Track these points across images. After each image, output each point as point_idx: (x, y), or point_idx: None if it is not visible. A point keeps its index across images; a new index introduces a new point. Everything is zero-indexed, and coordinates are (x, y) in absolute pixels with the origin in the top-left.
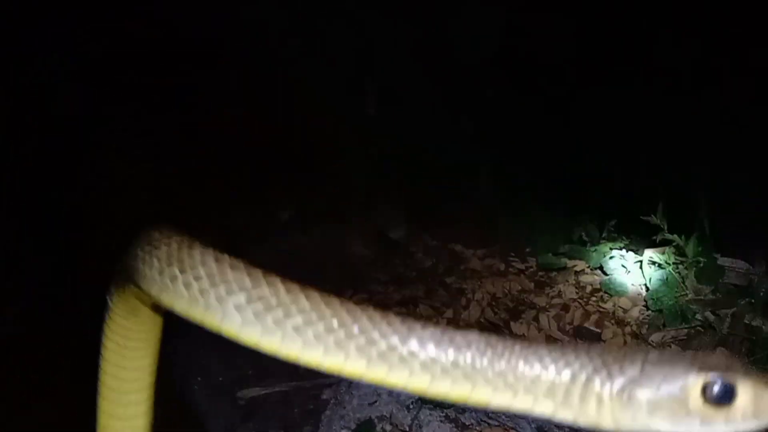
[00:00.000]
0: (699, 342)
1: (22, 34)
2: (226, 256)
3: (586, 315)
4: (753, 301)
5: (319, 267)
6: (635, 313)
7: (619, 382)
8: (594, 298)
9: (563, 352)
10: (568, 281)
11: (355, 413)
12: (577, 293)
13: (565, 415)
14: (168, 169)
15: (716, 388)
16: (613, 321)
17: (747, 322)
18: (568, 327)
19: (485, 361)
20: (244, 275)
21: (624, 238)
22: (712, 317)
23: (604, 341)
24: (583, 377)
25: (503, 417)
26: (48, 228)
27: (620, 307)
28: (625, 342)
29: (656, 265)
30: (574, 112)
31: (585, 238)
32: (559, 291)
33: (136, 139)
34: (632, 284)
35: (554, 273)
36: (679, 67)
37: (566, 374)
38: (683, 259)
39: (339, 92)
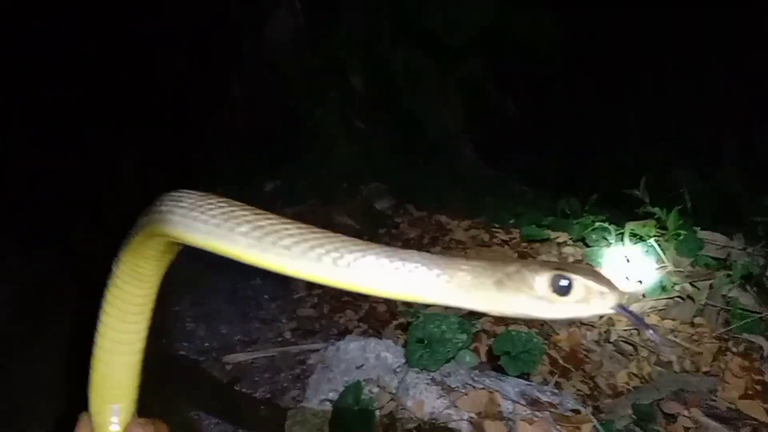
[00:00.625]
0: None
1: None
2: (231, 200)
3: None
4: (730, 273)
5: None
6: (617, 283)
7: (501, 277)
8: None
9: (468, 261)
10: (550, 252)
11: (342, 377)
12: None
13: (467, 302)
14: (155, 141)
15: (559, 282)
16: None
17: (724, 293)
18: None
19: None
20: (247, 212)
21: (606, 211)
22: (690, 288)
23: None
24: (486, 274)
25: (487, 380)
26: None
27: None
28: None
29: (637, 237)
30: (558, 90)
31: (568, 210)
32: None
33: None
34: (613, 256)
35: (537, 244)
36: (661, 47)
37: (470, 275)
38: (664, 232)
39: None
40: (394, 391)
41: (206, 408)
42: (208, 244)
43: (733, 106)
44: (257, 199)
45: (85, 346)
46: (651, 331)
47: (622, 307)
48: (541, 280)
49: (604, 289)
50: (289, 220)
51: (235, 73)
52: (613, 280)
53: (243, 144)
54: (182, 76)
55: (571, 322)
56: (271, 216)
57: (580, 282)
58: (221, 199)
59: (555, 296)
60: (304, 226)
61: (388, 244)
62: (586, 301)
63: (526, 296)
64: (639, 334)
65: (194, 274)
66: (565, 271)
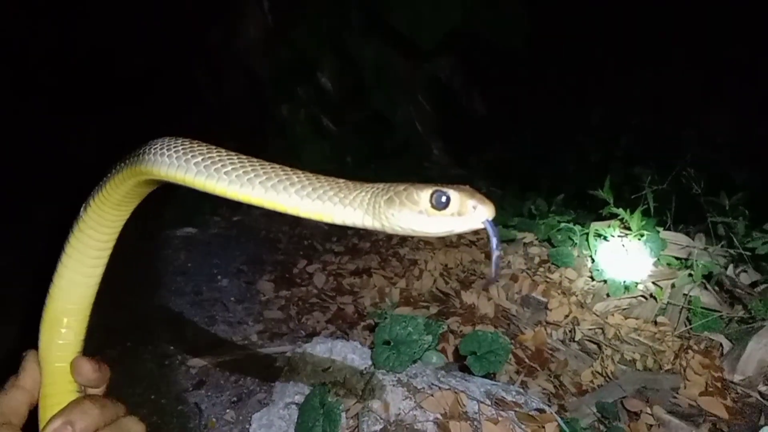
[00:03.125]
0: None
1: None
2: (213, 147)
3: (534, 285)
4: (692, 273)
5: (273, 239)
6: (581, 283)
7: (391, 195)
8: (541, 269)
9: (371, 185)
10: (517, 252)
11: (309, 379)
12: (525, 264)
13: (365, 220)
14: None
15: (437, 197)
16: (559, 291)
17: (686, 293)
18: (516, 296)
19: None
20: (231, 156)
21: (572, 211)
22: (653, 287)
23: (550, 310)
24: (381, 193)
25: (453, 381)
26: None
27: (566, 277)
28: (570, 312)
29: (602, 237)
30: (523, 92)
31: (534, 211)
32: (509, 262)
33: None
34: (578, 256)
35: (504, 244)
36: (624, 46)
37: (369, 194)
38: (627, 232)
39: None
40: (360, 393)
41: (170, 412)
42: (169, 175)
43: (693, 104)
44: (223, 198)
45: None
46: (497, 254)
47: (489, 222)
48: (424, 195)
49: (477, 203)
50: (235, 153)
51: (203, 70)
52: (485, 198)
53: (209, 142)
54: (149, 72)
55: (535, 323)
56: (221, 150)
57: (456, 196)
58: (185, 140)
59: (434, 210)
60: (244, 158)
61: (356, 244)
62: (460, 215)
63: (409, 211)
64: (604, 333)
65: (159, 276)
66: (444, 187)
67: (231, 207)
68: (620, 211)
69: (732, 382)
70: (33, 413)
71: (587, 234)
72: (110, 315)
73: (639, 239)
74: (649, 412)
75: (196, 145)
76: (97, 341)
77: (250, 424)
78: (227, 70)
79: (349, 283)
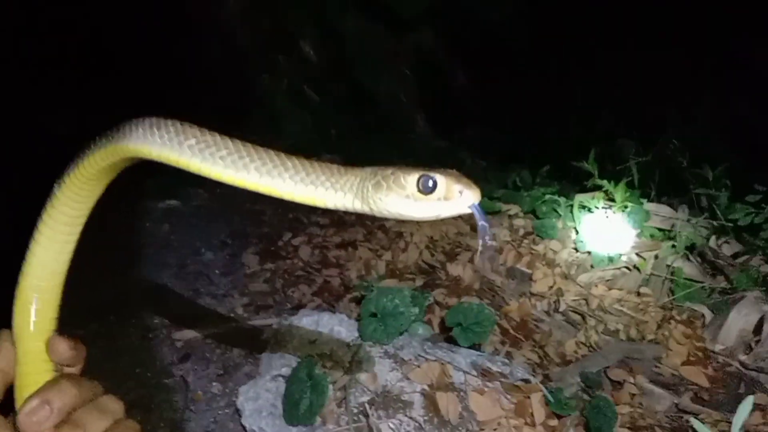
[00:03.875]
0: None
1: None
2: (206, 130)
3: (519, 256)
4: (675, 244)
5: (257, 211)
6: (565, 255)
7: (379, 179)
8: (526, 241)
9: (361, 169)
10: (502, 224)
11: (296, 351)
12: (510, 236)
13: (355, 204)
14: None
15: (424, 181)
16: (543, 262)
17: (669, 263)
18: (501, 268)
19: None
20: (225, 140)
21: (556, 183)
22: (636, 259)
23: (535, 281)
24: (369, 177)
25: (440, 352)
26: None
27: (551, 249)
28: (554, 283)
29: (586, 209)
30: (512, 70)
31: (519, 183)
32: (494, 234)
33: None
34: (562, 228)
35: (489, 216)
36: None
37: (358, 178)
38: (612, 203)
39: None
40: (347, 365)
41: (156, 385)
42: (161, 155)
43: (675, 76)
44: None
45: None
46: (486, 239)
47: (476, 207)
48: (411, 179)
49: (463, 188)
50: (227, 137)
51: (184, 40)
52: (471, 182)
53: (190, 114)
54: (127, 42)
55: (520, 294)
56: (215, 134)
57: (442, 181)
58: (175, 121)
59: (420, 195)
60: (238, 142)
61: (341, 217)
62: (447, 199)
63: (396, 195)
64: (587, 304)
65: (142, 249)
66: (431, 171)
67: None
68: (604, 182)
69: (713, 352)
70: (9, 393)
71: (571, 206)
72: (93, 289)
73: (623, 211)
74: (632, 381)
75: (188, 127)
76: (81, 316)
77: (237, 397)
78: (208, 41)
79: (335, 256)
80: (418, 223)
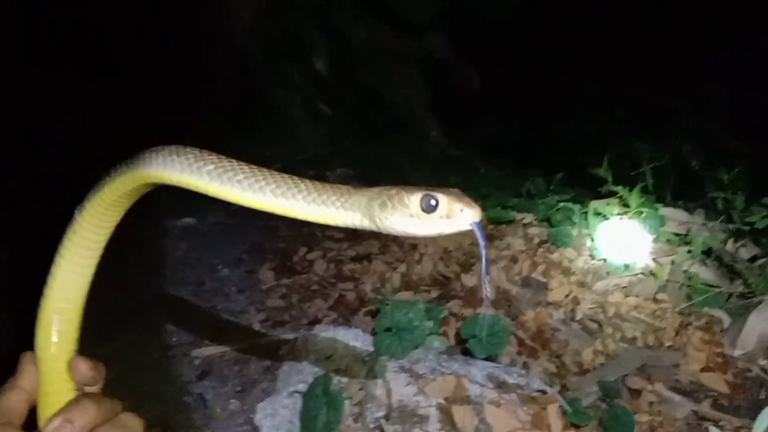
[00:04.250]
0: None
1: None
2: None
3: (534, 265)
4: (691, 249)
5: (272, 227)
6: (580, 263)
7: (385, 199)
8: (541, 249)
9: (368, 189)
10: (516, 233)
11: (312, 367)
12: (525, 245)
13: (363, 222)
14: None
15: (426, 201)
16: (559, 271)
17: (685, 269)
18: (516, 277)
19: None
20: (242, 165)
21: (570, 190)
22: (653, 265)
23: (551, 290)
24: (375, 197)
25: (455, 365)
26: None
27: (566, 257)
28: (570, 291)
29: (601, 216)
30: (521, 71)
31: (533, 191)
32: (508, 243)
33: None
34: (577, 235)
35: (503, 226)
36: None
37: (366, 198)
38: (627, 209)
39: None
40: (363, 380)
41: (175, 403)
42: (182, 180)
43: (687, 75)
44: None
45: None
46: (485, 254)
47: (476, 224)
48: (414, 199)
49: (464, 206)
50: (242, 163)
51: (194, 51)
52: (472, 201)
53: (201, 127)
54: (138, 54)
55: (536, 303)
56: (231, 160)
57: (444, 200)
58: (193, 149)
59: (424, 213)
60: (253, 167)
61: (355, 231)
62: (449, 217)
63: (400, 214)
64: (604, 312)
65: (160, 267)
66: (433, 191)
67: None
68: (619, 188)
69: (732, 357)
70: (32, 412)
71: (586, 213)
72: (113, 307)
73: (638, 217)
74: (651, 389)
75: (206, 154)
76: (100, 334)
77: (255, 414)
78: (218, 51)
79: (350, 270)
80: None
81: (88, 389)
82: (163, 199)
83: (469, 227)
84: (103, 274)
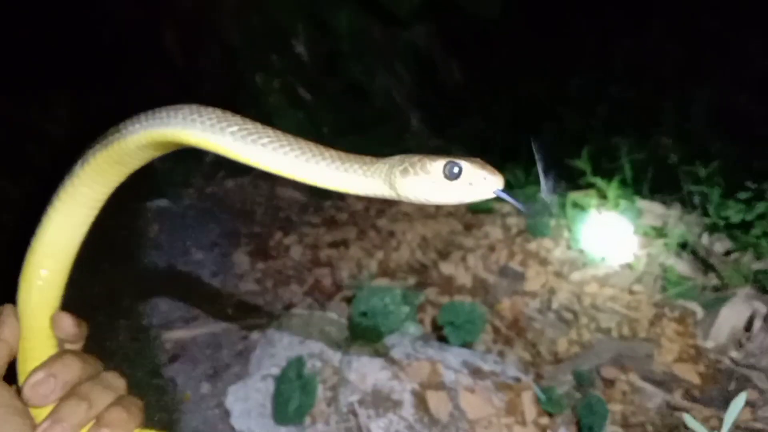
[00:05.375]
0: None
1: None
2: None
3: (511, 255)
4: (667, 242)
5: (248, 211)
6: (558, 253)
7: (407, 166)
8: (519, 239)
9: (389, 158)
10: (495, 223)
11: (286, 351)
12: (503, 234)
13: (383, 190)
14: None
15: (449, 168)
16: (536, 260)
17: (661, 261)
18: (493, 266)
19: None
20: (266, 129)
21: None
22: (629, 257)
23: (527, 280)
24: (397, 164)
25: (431, 351)
26: None
27: (544, 247)
28: (547, 281)
29: (579, 207)
30: (501, 60)
31: (511, 181)
32: (486, 232)
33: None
34: (555, 226)
35: (482, 215)
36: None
37: (387, 166)
38: (604, 201)
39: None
40: (337, 365)
41: (146, 386)
42: (201, 140)
43: (671, 75)
44: (197, 169)
45: None
46: (524, 206)
47: (500, 192)
48: (437, 166)
49: (488, 174)
50: (267, 126)
51: (174, 38)
52: (495, 169)
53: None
54: (118, 40)
55: (512, 292)
56: (255, 122)
57: (468, 167)
58: (215, 108)
59: (446, 181)
60: (277, 131)
61: (333, 216)
62: (472, 185)
63: (423, 181)
64: (580, 302)
65: (132, 249)
66: (456, 158)
67: (204, 178)
68: (597, 180)
69: (705, 349)
70: (12, 367)
71: (565, 204)
72: (82, 290)
73: (616, 209)
74: (624, 379)
75: (230, 115)
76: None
77: (226, 397)
78: (199, 38)
79: (327, 255)
80: (411, 223)
81: (69, 347)
82: (136, 180)
83: (492, 195)
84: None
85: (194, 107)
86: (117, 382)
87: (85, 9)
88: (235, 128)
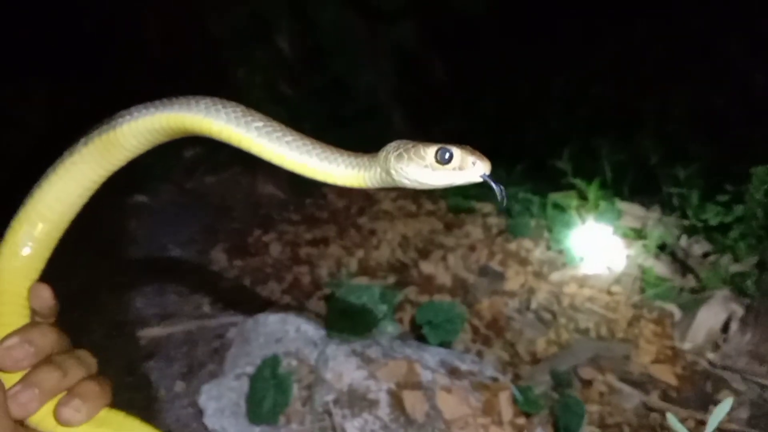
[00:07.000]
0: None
1: None
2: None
3: (491, 254)
4: (646, 244)
5: (227, 207)
6: (537, 253)
7: (401, 151)
8: (499, 239)
9: (384, 147)
10: (475, 222)
11: (261, 350)
12: (483, 234)
13: (381, 175)
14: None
15: (441, 153)
16: (516, 260)
17: (640, 263)
18: (473, 266)
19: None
20: (286, 128)
21: (531, 181)
22: (608, 257)
23: (507, 280)
24: (392, 150)
25: (408, 350)
26: None
27: (524, 247)
28: (526, 281)
29: (559, 208)
30: (484, 60)
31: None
32: (467, 232)
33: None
34: (536, 226)
35: (463, 214)
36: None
37: (384, 153)
38: (584, 202)
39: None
40: (313, 364)
41: (119, 384)
42: (224, 131)
43: (652, 73)
44: (176, 166)
45: None
46: (500, 191)
47: (487, 176)
48: (430, 151)
49: (476, 159)
50: (290, 128)
51: (156, 31)
52: (483, 155)
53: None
54: (98, 32)
55: (492, 292)
56: (278, 122)
57: (458, 153)
58: (238, 104)
59: (438, 165)
60: (294, 131)
61: (313, 213)
62: (461, 169)
63: (416, 165)
64: (559, 302)
65: (109, 245)
66: (447, 144)
67: (185, 174)
68: (578, 181)
69: (682, 350)
70: None
71: (545, 204)
72: (57, 284)
73: (596, 210)
74: (602, 379)
75: (254, 111)
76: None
77: (200, 396)
78: (180, 31)
79: (306, 253)
80: (392, 221)
81: (39, 322)
82: (115, 174)
83: (480, 179)
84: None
85: (218, 99)
86: (89, 359)
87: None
88: (260, 123)
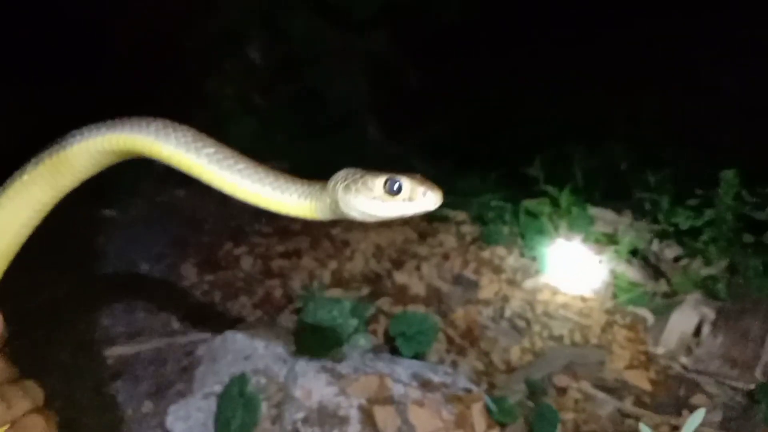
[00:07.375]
0: None
1: None
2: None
3: (465, 263)
4: (618, 249)
5: (198, 220)
6: (511, 261)
7: (349, 183)
8: (473, 247)
9: (333, 177)
10: (449, 231)
11: (229, 368)
12: (457, 242)
13: (332, 206)
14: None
15: (390, 184)
16: (490, 268)
17: (612, 267)
18: (447, 275)
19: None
20: (237, 154)
21: (504, 189)
22: (581, 264)
23: (481, 288)
24: (340, 181)
25: (380, 364)
26: None
27: (497, 255)
28: (500, 289)
29: (532, 215)
30: (457, 69)
31: (466, 189)
32: (441, 241)
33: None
34: (509, 233)
35: (436, 223)
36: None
37: (332, 184)
38: (557, 209)
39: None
40: (282, 381)
41: (84, 405)
42: (173, 156)
43: (622, 79)
44: (147, 179)
45: None
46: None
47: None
48: (378, 182)
49: (426, 189)
50: (239, 153)
51: (125, 40)
52: (434, 185)
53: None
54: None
55: (466, 301)
56: (230, 148)
57: (407, 183)
58: (197, 132)
59: (387, 196)
60: (248, 159)
61: (286, 226)
62: (411, 200)
63: (364, 197)
64: (533, 309)
65: (75, 260)
66: (396, 175)
67: (154, 186)
68: (550, 188)
69: (655, 355)
70: None
71: (518, 212)
72: (21, 303)
73: (568, 216)
74: (576, 386)
75: (205, 136)
76: (8, 329)
77: (167, 416)
78: (149, 41)
79: (278, 266)
80: (365, 232)
81: None
82: (82, 188)
83: (432, 208)
84: (11, 266)
85: (168, 122)
86: (37, 391)
87: (31, 4)
88: (211, 150)
